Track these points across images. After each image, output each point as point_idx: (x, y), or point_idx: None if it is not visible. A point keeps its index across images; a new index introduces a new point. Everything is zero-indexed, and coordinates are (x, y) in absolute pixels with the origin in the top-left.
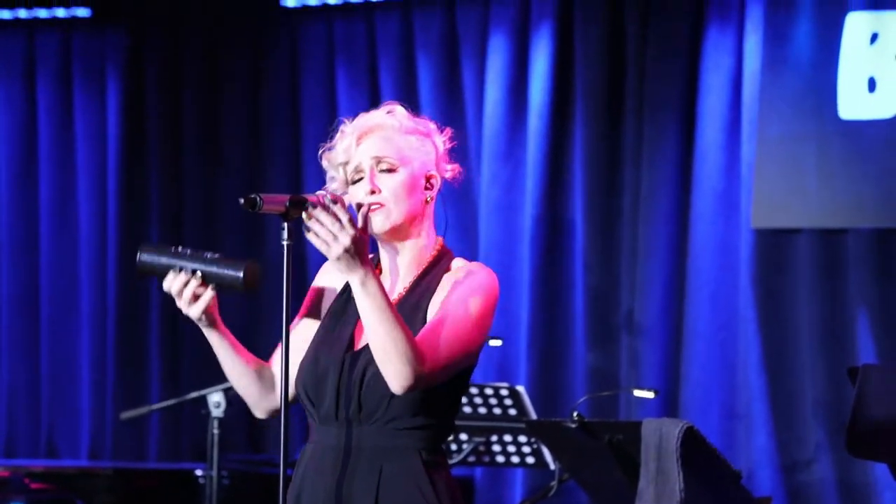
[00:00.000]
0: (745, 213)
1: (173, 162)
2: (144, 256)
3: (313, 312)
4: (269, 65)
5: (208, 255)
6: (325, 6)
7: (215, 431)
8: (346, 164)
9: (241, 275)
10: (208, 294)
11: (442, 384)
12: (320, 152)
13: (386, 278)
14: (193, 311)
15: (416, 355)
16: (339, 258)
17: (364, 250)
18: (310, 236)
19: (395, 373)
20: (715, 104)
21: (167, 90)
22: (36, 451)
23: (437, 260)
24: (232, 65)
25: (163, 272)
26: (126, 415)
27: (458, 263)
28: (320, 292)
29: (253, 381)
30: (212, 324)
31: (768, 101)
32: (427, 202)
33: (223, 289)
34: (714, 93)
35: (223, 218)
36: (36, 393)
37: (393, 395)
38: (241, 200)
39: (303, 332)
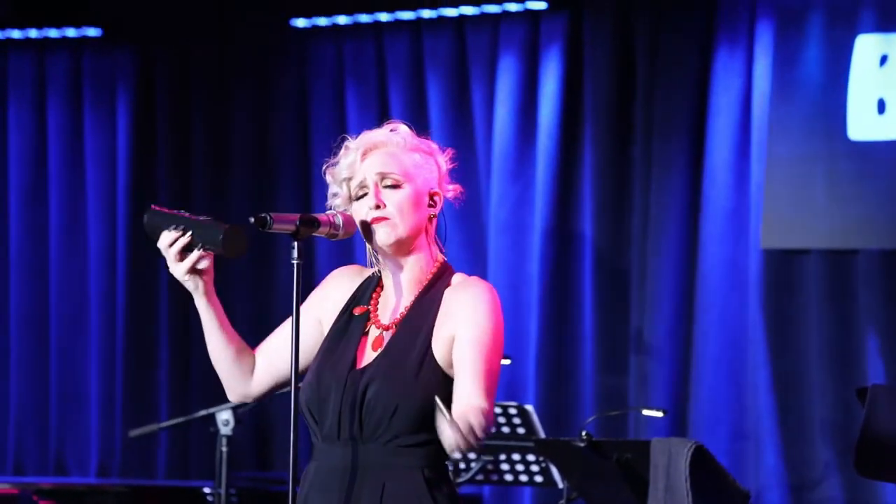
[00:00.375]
0: (755, 233)
1: (183, 182)
2: (148, 217)
3: (312, 309)
4: (278, 85)
5: (201, 218)
6: (335, 27)
7: (224, 449)
8: (349, 179)
9: (220, 234)
10: (195, 253)
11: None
12: (324, 168)
13: (389, 296)
14: (178, 270)
15: (485, 422)
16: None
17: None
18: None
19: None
20: (724, 125)
21: (177, 110)
22: (45, 469)
23: (438, 276)
24: (241, 85)
25: (160, 230)
26: (135, 432)
27: (457, 279)
28: (323, 298)
29: (232, 361)
30: (202, 290)
31: (778, 122)
32: (430, 219)
33: (207, 249)
34: (723, 114)
35: None
36: (45, 410)
37: (394, 414)
38: (252, 219)
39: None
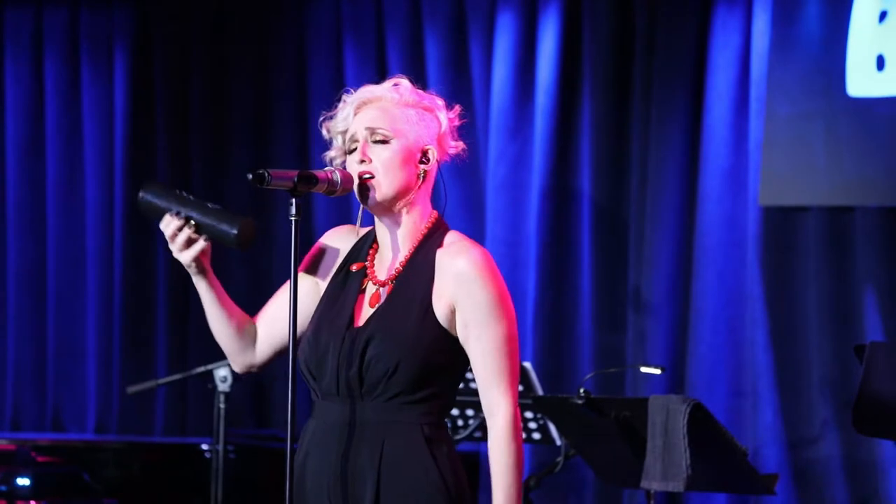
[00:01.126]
0: (753, 190)
1: (180, 139)
2: (146, 196)
3: (310, 270)
4: (276, 41)
5: (209, 205)
6: None
7: (221, 406)
8: (344, 132)
9: (235, 231)
10: (200, 243)
11: (442, 358)
12: (321, 120)
13: (384, 252)
14: (184, 257)
15: (519, 436)
16: None
17: None
18: None
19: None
20: (723, 82)
21: (174, 67)
22: (42, 425)
23: (431, 233)
24: (239, 40)
25: (161, 213)
26: (132, 389)
27: (450, 238)
28: (320, 255)
29: (234, 335)
30: (201, 272)
31: (776, 79)
32: (420, 176)
33: (215, 240)
34: (722, 71)
35: (231, 194)
36: (42, 367)
37: (395, 371)
38: (250, 176)
39: (286, 292)
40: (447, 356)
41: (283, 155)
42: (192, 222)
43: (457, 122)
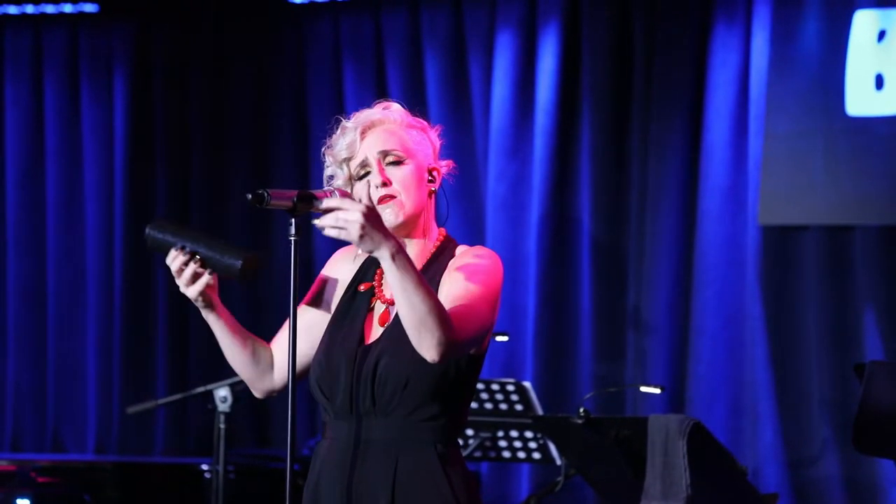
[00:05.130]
0: (752, 209)
1: (180, 158)
2: (152, 232)
3: (316, 301)
4: (275, 61)
5: (213, 240)
6: (333, 3)
7: (221, 426)
8: (349, 160)
9: (238, 264)
10: (206, 277)
11: (453, 372)
12: (323, 150)
13: None
14: (190, 292)
15: (450, 321)
16: (361, 237)
17: (382, 224)
18: (326, 231)
19: (433, 339)
20: (722, 101)
21: (174, 86)
22: (42, 446)
23: (442, 249)
24: (239, 60)
25: (167, 248)
26: (132, 409)
27: (461, 249)
28: (325, 282)
29: (249, 363)
30: (209, 306)
31: (775, 98)
32: (430, 195)
33: (220, 274)
34: (721, 90)
35: (230, 213)
36: (42, 387)
37: (406, 387)
38: (249, 196)
39: (304, 318)
40: (457, 368)
41: (282, 174)
42: (198, 256)
43: (441, 141)
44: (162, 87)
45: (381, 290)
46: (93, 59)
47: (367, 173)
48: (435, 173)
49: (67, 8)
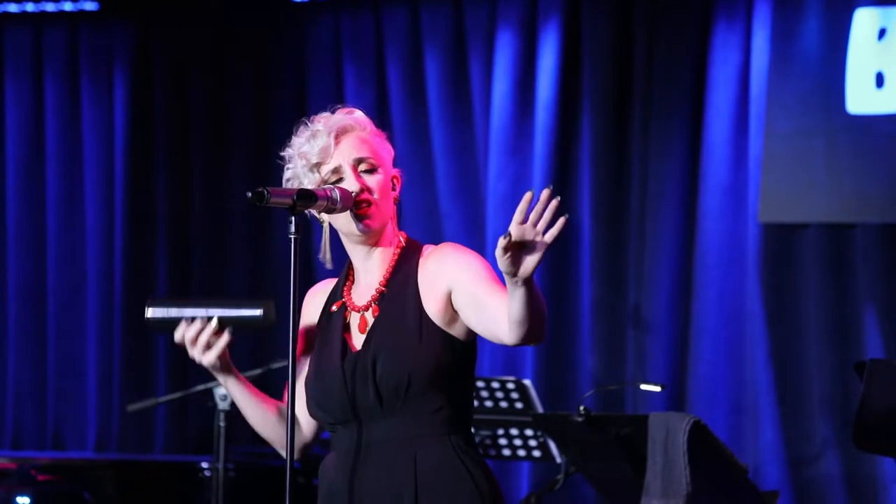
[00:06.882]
0: (753, 208)
1: (180, 156)
2: (153, 312)
3: (306, 349)
4: (276, 59)
5: (219, 300)
6: (333, 1)
7: (221, 424)
8: (320, 165)
9: (259, 312)
10: (224, 339)
11: (450, 357)
12: (291, 152)
13: (360, 282)
14: (208, 359)
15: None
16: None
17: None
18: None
19: (535, 329)
20: (722, 100)
21: (174, 84)
22: (42, 444)
23: (408, 250)
24: (239, 59)
25: (173, 325)
26: (132, 407)
27: (428, 249)
28: (306, 328)
29: (276, 426)
30: (226, 369)
31: (776, 96)
32: (395, 202)
33: (241, 329)
34: (722, 88)
35: (231, 212)
36: (42, 385)
37: (409, 382)
38: (249, 194)
39: (302, 369)
40: (453, 355)
41: (282, 173)
42: (213, 320)
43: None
44: (162, 86)
45: (352, 301)
46: (93, 57)
47: (340, 179)
48: (395, 181)
49: (68, 6)
